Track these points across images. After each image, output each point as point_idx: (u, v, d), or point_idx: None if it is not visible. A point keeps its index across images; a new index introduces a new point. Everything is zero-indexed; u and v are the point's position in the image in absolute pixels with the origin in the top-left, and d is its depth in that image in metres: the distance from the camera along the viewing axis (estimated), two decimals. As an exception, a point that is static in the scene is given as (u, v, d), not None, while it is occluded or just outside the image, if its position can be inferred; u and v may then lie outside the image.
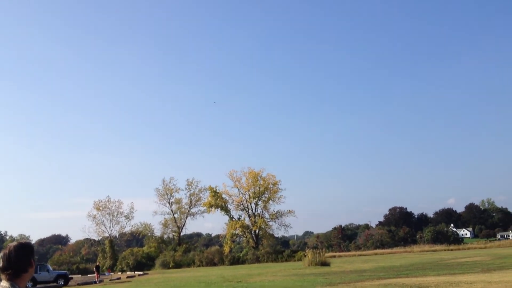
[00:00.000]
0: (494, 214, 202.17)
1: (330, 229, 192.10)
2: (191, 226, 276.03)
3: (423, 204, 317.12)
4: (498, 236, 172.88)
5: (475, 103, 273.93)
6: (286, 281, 29.25)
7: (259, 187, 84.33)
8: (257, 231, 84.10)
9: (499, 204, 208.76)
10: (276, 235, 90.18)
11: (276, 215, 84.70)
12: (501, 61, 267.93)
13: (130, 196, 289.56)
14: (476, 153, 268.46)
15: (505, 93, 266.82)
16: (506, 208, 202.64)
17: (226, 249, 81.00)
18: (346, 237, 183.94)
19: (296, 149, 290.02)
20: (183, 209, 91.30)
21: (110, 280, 50.07)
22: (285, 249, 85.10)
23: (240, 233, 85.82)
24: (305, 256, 52.64)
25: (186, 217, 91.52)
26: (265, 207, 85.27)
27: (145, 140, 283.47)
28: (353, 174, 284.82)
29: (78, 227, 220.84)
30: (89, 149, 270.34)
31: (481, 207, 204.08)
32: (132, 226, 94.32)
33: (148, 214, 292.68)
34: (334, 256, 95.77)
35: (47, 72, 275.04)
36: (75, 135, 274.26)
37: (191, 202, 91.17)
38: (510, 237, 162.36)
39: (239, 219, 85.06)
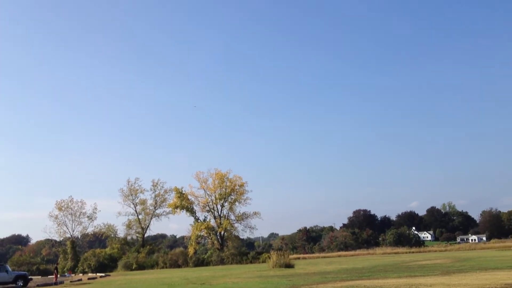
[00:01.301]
0: (454, 218, 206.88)
1: (296, 230, 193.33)
2: (156, 227, 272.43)
3: (387, 206, 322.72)
4: (458, 239, 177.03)
5: (438, 110, 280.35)
6: (250, 283, 29.22)
7: (225, 189, 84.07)
8: (222, 232, 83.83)
9: (459, 208, 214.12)
10: (241, 237, 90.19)
11: (242, 217, 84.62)
12: (469, 67, 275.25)
13: (93, 197, 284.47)
14: (439, 158, 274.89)
15: (468, 99, 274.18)
16: (466, 212, 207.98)
17: (191, 250, 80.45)
18: (311, 239, 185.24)
19: (264, 151, 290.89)
20: (147, 210, 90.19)
21: (70, 281, 49.07)
22: (250, 251, 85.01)
23: (205, 235, 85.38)
24: (269, 258, 52.78)
25: (151, 218, 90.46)
26: (231, 209, 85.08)
27: (111, 140, 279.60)
28: (320, 177, 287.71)
29: (39, 227, 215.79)
30: (51, 149, 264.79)
31: (442, 210, 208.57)
32: (95, 227, 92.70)
33: (111, 215, 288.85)
34: (299, 258, 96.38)
35: (12, 77, 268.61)
36: (37, 135, 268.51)
37: (156, 203, 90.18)
38: (470, 241, 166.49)
39: (204, 220, 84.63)
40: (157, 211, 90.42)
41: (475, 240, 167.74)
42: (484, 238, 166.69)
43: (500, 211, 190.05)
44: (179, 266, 76.41)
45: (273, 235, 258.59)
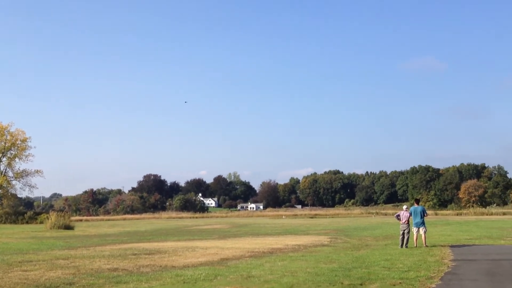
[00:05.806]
0: (238, 187, 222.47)
1: (81, 192, 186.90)
2: None
3: (177, 173, 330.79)
4: (239, 207, 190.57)
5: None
6: (22, 244, 27.44)
7: (5, 142, 76.62)
8: (-3, 190, 76.68)
9: (243, 178, 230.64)
10: (19, 195, 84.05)
11: (22, 174, 78.33)
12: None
13: None
14: (229, 129, 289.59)
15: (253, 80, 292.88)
16: (249, 182, 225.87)
17: (-46, 207, 71.98)
18: (97, 201, 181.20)
19: (50, 104, 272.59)
20: None
21: None
22: (27, 211, 79.55)
23: (-24, 191, 77.05)
24: (48, 219, 50.39)
25: None
26: (9, 165, 78.12)
27: None
28: (111, 137, 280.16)
29: None
30: None
31: (228, 179, 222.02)
32: None
33: None
34: (81, 220, 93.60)
35: None
36: None
37: None
38: (249, 208, 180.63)
39: (-23, 175, 76.23)
40: None
41: (253, 208, 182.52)
42: (261, 207, 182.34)
43: (277, 183, 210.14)
44: None
45: (56, 196, 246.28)
